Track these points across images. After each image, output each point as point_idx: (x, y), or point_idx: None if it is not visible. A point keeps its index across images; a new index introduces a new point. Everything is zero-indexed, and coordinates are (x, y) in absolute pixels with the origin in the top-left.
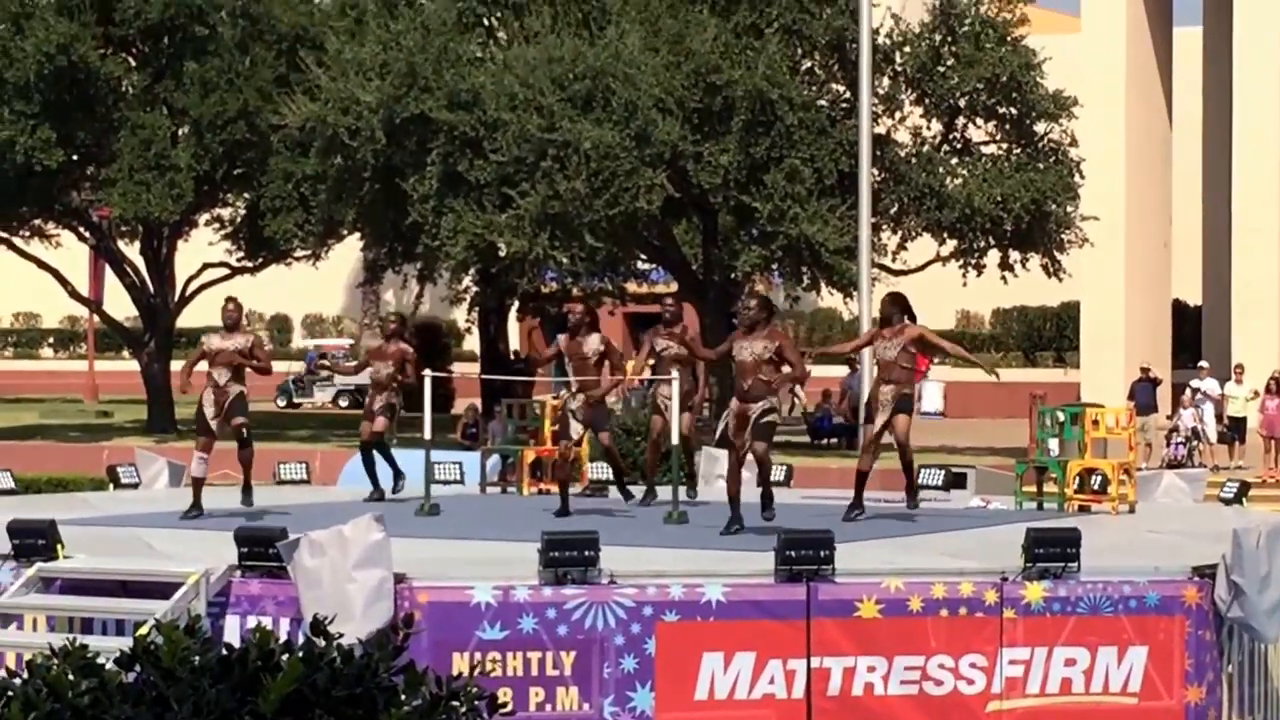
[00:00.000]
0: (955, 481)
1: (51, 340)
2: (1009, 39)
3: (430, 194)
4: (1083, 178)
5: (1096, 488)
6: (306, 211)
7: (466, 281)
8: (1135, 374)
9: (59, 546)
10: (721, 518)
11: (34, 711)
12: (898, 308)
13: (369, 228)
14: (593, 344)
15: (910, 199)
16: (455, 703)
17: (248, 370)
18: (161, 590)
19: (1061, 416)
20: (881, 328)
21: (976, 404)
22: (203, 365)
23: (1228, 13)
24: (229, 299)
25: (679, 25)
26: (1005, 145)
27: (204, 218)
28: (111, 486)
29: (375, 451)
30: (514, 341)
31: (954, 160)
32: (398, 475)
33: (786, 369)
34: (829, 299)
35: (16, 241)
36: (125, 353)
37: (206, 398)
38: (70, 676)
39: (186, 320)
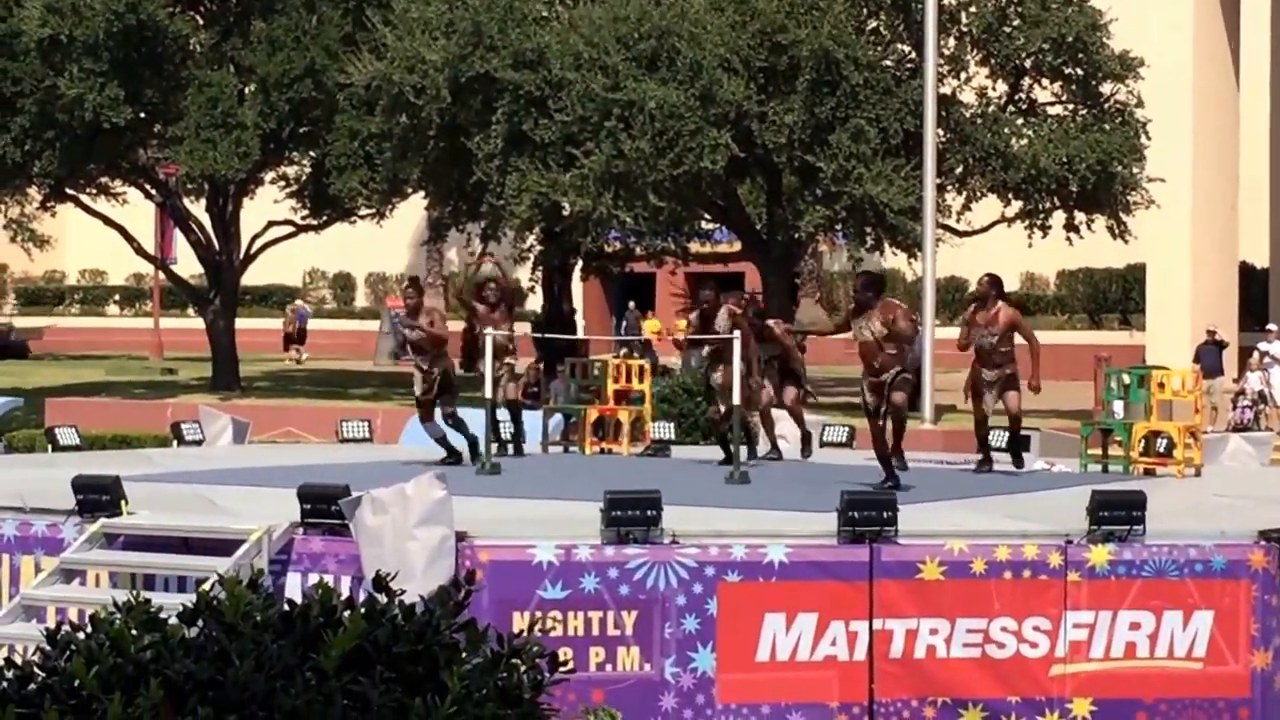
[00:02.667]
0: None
1: (118, 297)
2: None
3: (495, 153)
4: (1149, 139)
5: (1162, 451)
6: (371, 170)
7: (530, 240)
8: (1201, 336)
9: (123, 503)
10: (784, 481)
11: (97, 665)
12: (995, 288)
13: (433, 186)
14: (722, 321)
15: (975, 159)
16: (516, 660)
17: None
18: (224, 547)
19: (1127, 379)
20: (975, 309)
21: (1040, 366)
22: None
23: None
24: (410, 281)
25: None
26: (1071, 106)
27: (269, 175)
28: (175, 443)
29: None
30: (577, 301)
31: (1019, 121)
32: (474, 447)
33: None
34: (893, 260)
35: (84, 199)
36: (190, 310)
37: (415, 379)
38: (133, 631)
39: (251, 278)
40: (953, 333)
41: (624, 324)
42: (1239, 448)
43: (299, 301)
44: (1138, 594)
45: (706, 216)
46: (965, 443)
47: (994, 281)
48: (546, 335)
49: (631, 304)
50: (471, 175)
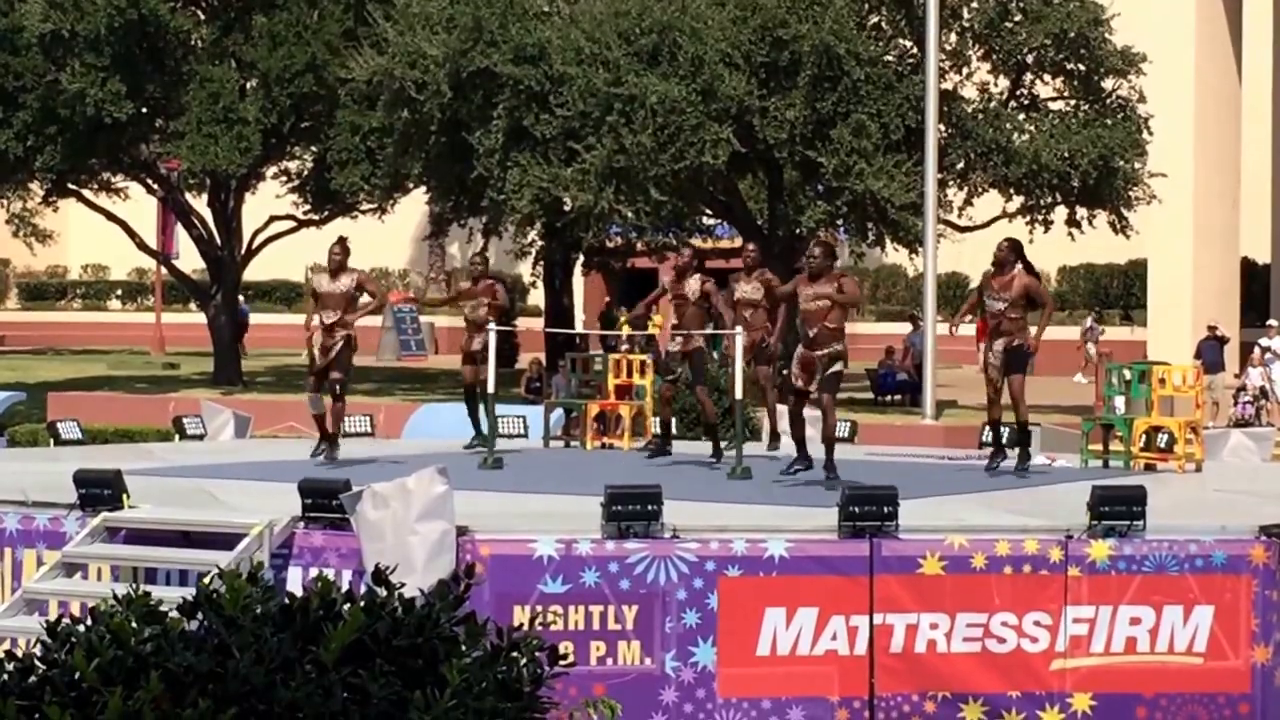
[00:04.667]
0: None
1: (119, 292)
2: None
3: (496, 148)
4: (1151, 134)
5: (1163, 446)
6: (373, 165)
7: (531, 235)
8: (1202, 332)
9: (124, 496)
10: (785, 475)
11: (97, 658)
12: (1014, 254)
13: (435, 181)
14: (693, 285)
15: (977, 155)
16: (516, 654)
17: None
18: (225, 541)
19: (1128, 374)
20: (995, 275)
21: (1042, 361)
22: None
23: None
24: (338, 239)
25: None
26: (1073, 101)
27: (271, 171)
28: (177, 438)
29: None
30: (578, 296)
31: (1021, 116)
32: (478, 432)
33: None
34: (894, 255)
35: (86, 194)
36: (192, 305)
37: (315, 339)
38: (133, 624)
39: (253, 273)
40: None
41: (602, 318)
42: (1240, 443)
43: (240, 298)
44: (1138, 589)
45: (708, 212)
46: (967, 438)
47: (1014, 246)
48: (550, 330)
49: (608, 299)
50: (473, 170)
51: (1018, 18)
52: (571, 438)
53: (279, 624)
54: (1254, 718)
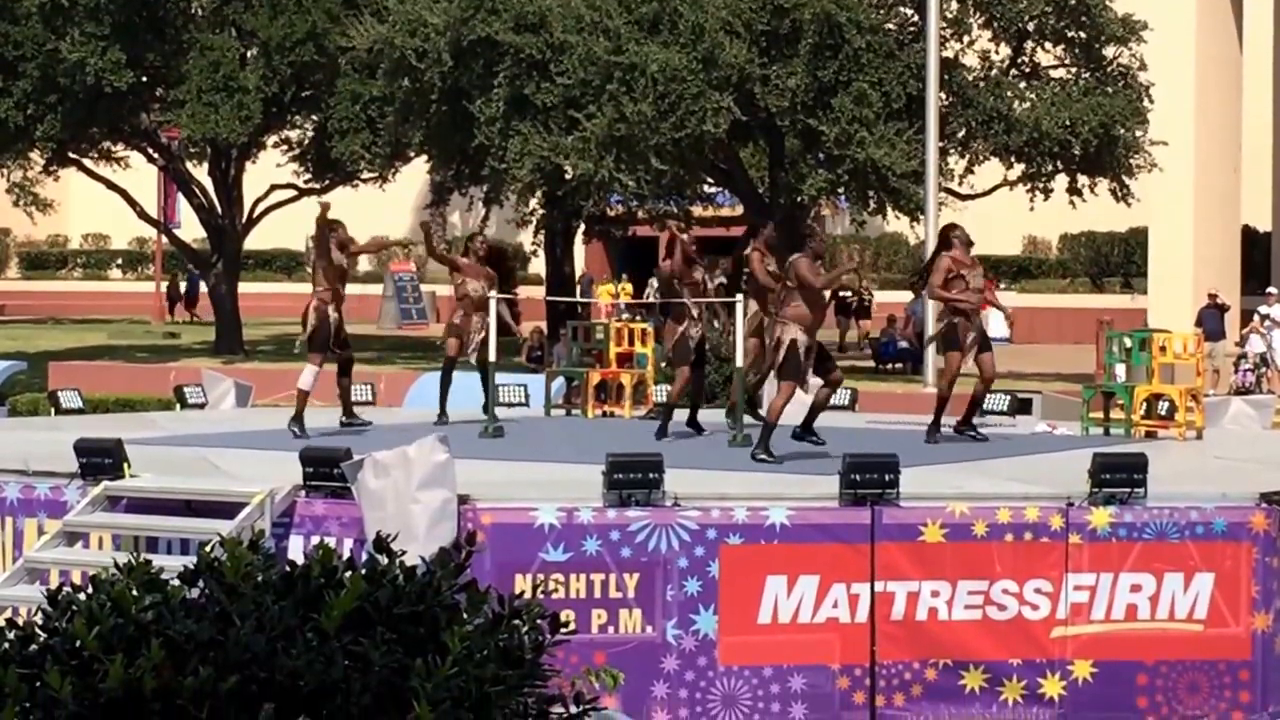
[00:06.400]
0: (1021, 407)
1: (120, 261)
2: None
3: (497, 116)
4: (1152, 102)
5: (1164, 413)
6: (374, 133)
7: (532, 204)
8: (1203, 300)
9: (125, 465)
10: (786, 444)
11: (98, 626)
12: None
13: (436, 150)
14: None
15: (978, 123)
16: (517, 622)
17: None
18: (226, 510)
19: (1129, 342)
20: (965, 252)
21: (1042, 329)
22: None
23: None
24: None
25: None
26: (1074, 69)
27: (272, 139)
28: (178, 406)
29: (482, 373)
30: (579, 264)
31: (1022, 84)
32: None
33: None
34: (895, 223)
35: (86, 163)
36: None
37: (312, 314)
38: (134, 592)
39: (254, 242)
40: None
41: (579, 289)
42: (1240, 411)
43: (190, 266)
44: (1139, 556)
45: (709, 180)
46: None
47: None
48: (550, 298)
49: (584, 270)
50: (473, 139)
51: None
52: (573, 406)
53: (280, 592)
54: (1254, 684)
